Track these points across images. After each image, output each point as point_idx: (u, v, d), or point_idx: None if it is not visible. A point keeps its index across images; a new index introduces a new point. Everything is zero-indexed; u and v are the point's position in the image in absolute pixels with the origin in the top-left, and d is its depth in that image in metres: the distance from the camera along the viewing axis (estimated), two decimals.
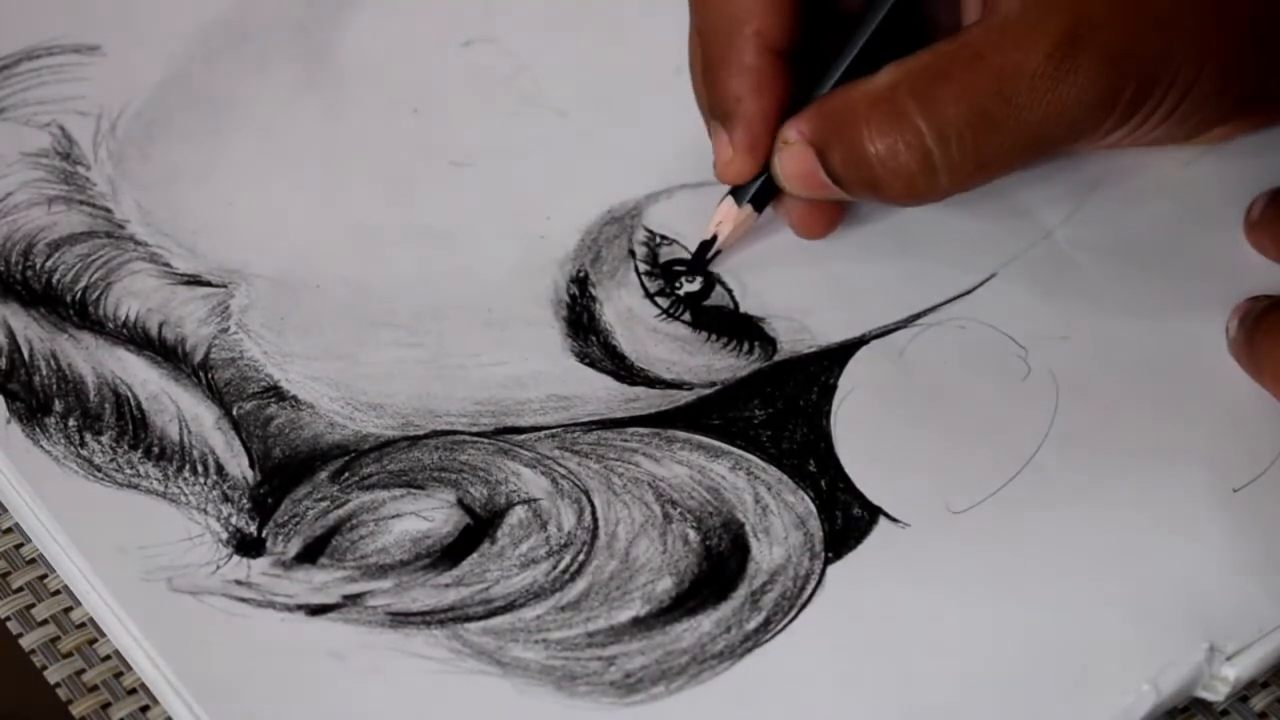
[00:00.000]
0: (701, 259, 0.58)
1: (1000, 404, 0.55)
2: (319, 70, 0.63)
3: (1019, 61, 0.52)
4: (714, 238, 0.57)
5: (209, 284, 0.57)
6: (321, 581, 0.51)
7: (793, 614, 0.51)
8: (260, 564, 0.51)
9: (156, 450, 0.53)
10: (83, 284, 0.57)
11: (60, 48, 0.63)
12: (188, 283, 0.57)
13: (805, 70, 0.56)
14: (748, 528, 0.52)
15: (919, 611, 0.51)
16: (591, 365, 0.56)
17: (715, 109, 0.56)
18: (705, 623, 0.51)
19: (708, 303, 0.57)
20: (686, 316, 0.57)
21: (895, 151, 0.53)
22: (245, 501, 0.52)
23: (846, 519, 0.53)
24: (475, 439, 0.54)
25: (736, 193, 0.57)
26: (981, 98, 0.52)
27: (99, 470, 0.53)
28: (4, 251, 0.58)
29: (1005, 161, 0.53)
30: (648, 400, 0.55)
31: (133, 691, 0.50)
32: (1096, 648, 0.50)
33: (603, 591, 0.51)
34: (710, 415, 0.55)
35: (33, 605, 0.52)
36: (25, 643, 0.51)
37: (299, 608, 0.50)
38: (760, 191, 0.57)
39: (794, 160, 0.54)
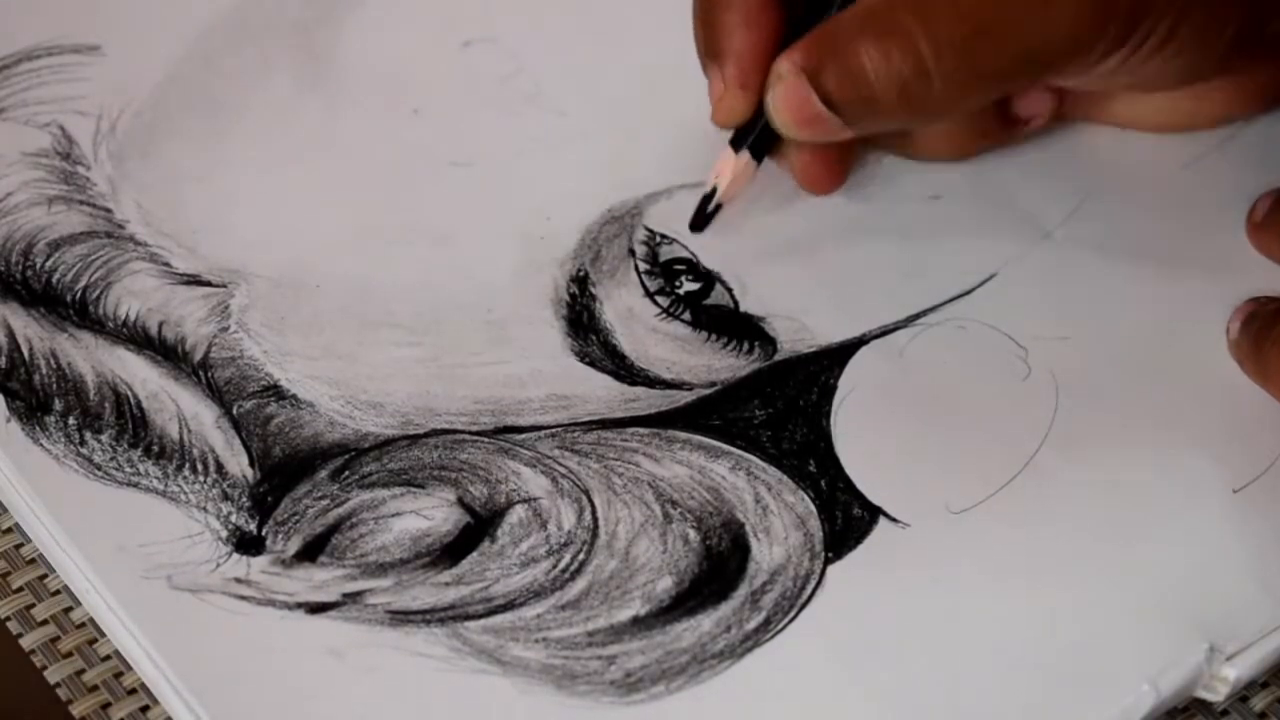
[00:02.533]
0: (703, 213, 0.57)
1: (1000, 404, 0.55)
2: (319, 70, 0.63)
3: None
4: (714, 190, 0.57)
5: (209, 284, 0.57)
6: (321, 580, 0.51)
7: (793, 614, 0.51)
8: (260, 562, 0.51)
9: (156, 449, 0.53)
10: (83, 284, 0.57)
11: (60, 48, 0.63)
12: (188, 282, 0.57)
13: (801, 6, 0.55)
14: (748, 528, 0.52)
15: (919, 611, 0.51)
16: (591, 365, 0.56)
17: (708, 46, 0.56)
18: (705, 622, 0.51)
19: (708, 302, 0.57)
20: (686, 316, 0.57)
21: (889, 58, 0.52)
22: (245, 500, 0.52)
23: (846, 519, 0.53)
24: (475, 438, 0.54)
25: (735, 141, 0.56)
26: (976, 6, 0.52)
27: (99, 469, 0.53)
28: (4, 251, 0.58)
29: (1000, 73, 0.53)
30: (648, 400, 0.55)
31: (133, 691, 0.50)
32: (1096, 648, 0.50)
33: (603, 591, 0.51)
34: (710, 415, 0.55)
35: (33, 605, 0.52)
36: (25, 643, 0.51)
37: (299, 606, 0.50)
38: (759, 139, 0.56)
39: (787, 93, 0.54)
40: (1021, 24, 0.52)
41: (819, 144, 0.56)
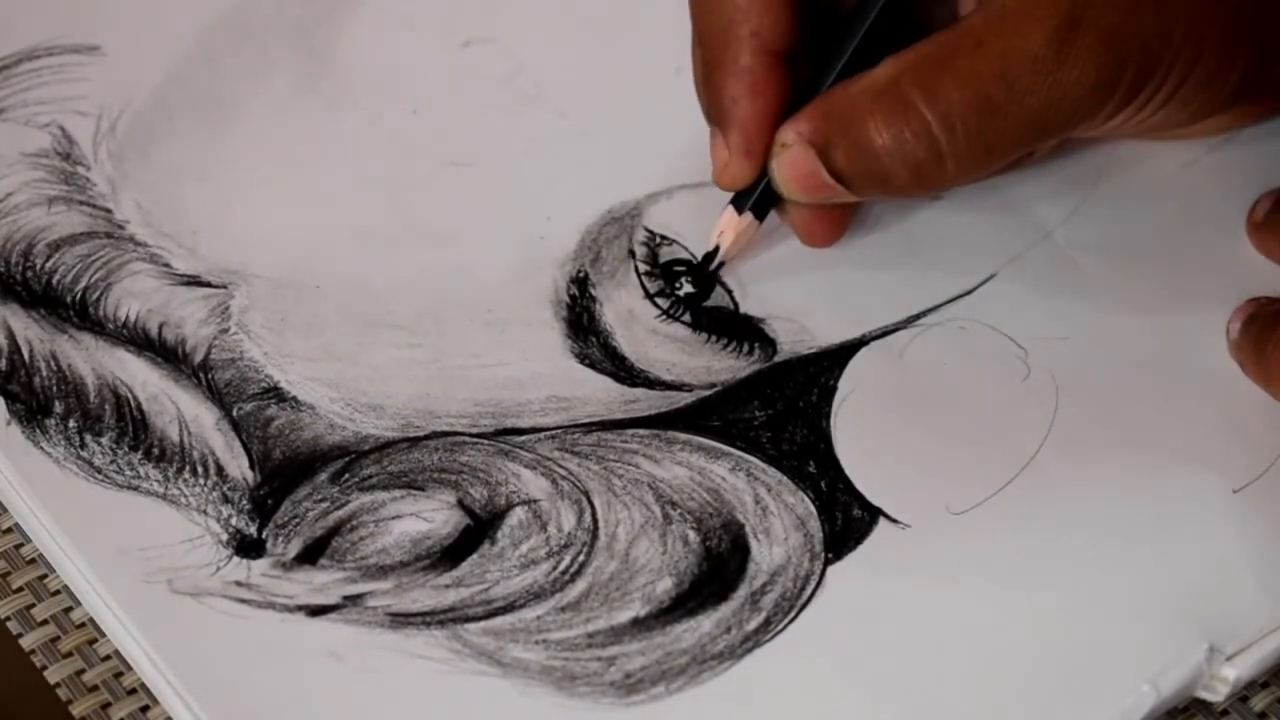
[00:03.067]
0: (705, 270, 0.57)
1: (1000, 404, 0.55)
2: (319, 70, 0.63)
3: (1020, 46, 0.52)
4: (716, 249, 0.57)
5: (209, 285, 0.57)
6: (322, 582, 0.51)
7: (793, 614, 0.51)
8: (260, 565, 0.51)
9: (157, 452, 0.53)
10: (83, 285, 0.57)
11: (60, 48, 0.63)
12: (188, 283, 0.57)
13: (803, 72, 0.55)
14: (748, 529, 0.52)
15: (919, 612, 0.51)
16: (591, 366, 0.56)
17: (712, 112, 0.56)
18: (705, 623, 0.51)
19: (708, 304, 0.57)
20: (686, 317, 0.57)
21: (902, 141, 0.52)
22: (245, 503, 0.52)
23: (846, 520, 0.53)
24: (475, 440, 0.54)
25: (737, 201, 0.57)
26: (985, 83, 0.52)
27: (99, 472, 0.53)
28: (4, 252, 0.58)
29: (1010, 146, 0.53)
30: (648, 401, 0.55)
31: (133, 691, 0.50)
32: (1096, 648, 0.50)
33: (603, 592, 0.51)
34: (710, 417, 0.55)
35: (33, 605, 0.52)
36: (25, 643, 0.51)
37: (299, 609, 0.50)
38: (760, 199, 0.56)
39: (793, 163, 0.54)
40: (1031, 99, 0.52)
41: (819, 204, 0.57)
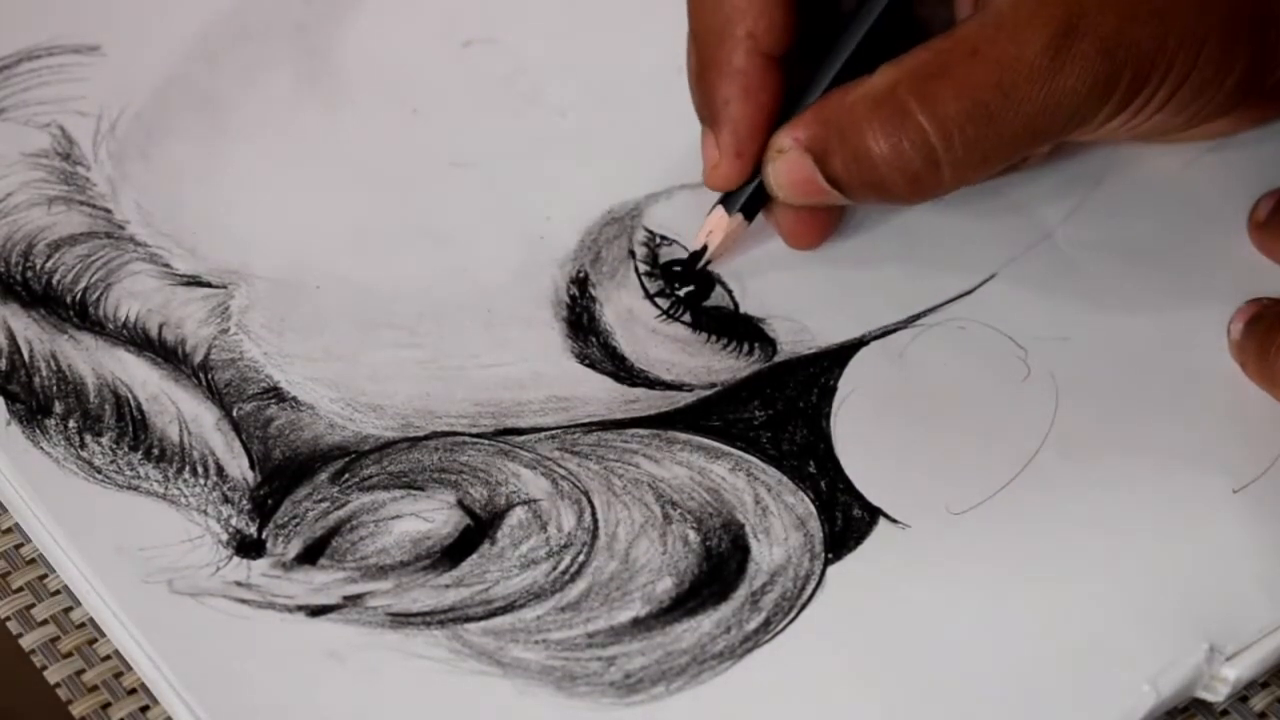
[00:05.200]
0: (693, 269, 0.57)
1: (1000, 404, 0.55)
2: (319, 70, 0.63)
3: (1016, 54, 0.52)
4: (704, 248, 0.57)
5: (209, 285, 0.57)
6: (322, 582, 0.51)
7: (793, 614, 0.51)
8: (260, 565, 0.51)
9: (157, 452, 0.53)
10: (83, 285, 0.57)
11: (60, 48, 0.63)
12: (188, 283, 0.57)
13: (798, 74, 0.55)
14: (748, 528, 0.52)
15: (919, 612, 0.51)
16: (591, 366, 0.56)
17: (704, 111, 0.56)
18: (705, 623, 0.51)
19: (708, 304, 0.57)
20: (686, 317, 0.57)
21: (900, 151, 0.53)
22: (245, 503, 0.52)
23: (846, 520, 0.53)
24: (475, 440, 0.54)
25: (726, 201, 0.56)
26: (981, 92, 0.52)
27: (99, 472, 0.53)
28: (4, 252, 0.58)
29: (1007, 153, 0.53)
30: (647, 401, 0.55)
31: (133, 691, 0.50)
32: (1096, 648, 0.50)
33: (603, 592, 0.51)
34: (710, 416, 0.55)
35: (33, 605, 0.52)
36: (25, 643, 0.51)
37: (299, 609, 0.50)
38: (750, 199, 0.56)
39: (790, 168, 0.54)
40: (1027, 106, 0.52)
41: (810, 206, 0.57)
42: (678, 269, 0.58)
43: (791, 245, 0.58)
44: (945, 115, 0.52)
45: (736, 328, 0.57)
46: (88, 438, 0.53)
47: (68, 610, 0.52)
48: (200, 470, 0.53)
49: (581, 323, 0.57)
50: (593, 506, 0.53)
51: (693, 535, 0.52)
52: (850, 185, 0.54)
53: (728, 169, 0.55)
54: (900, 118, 0.52)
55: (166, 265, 0.58)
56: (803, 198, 0.55)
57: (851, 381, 0.56)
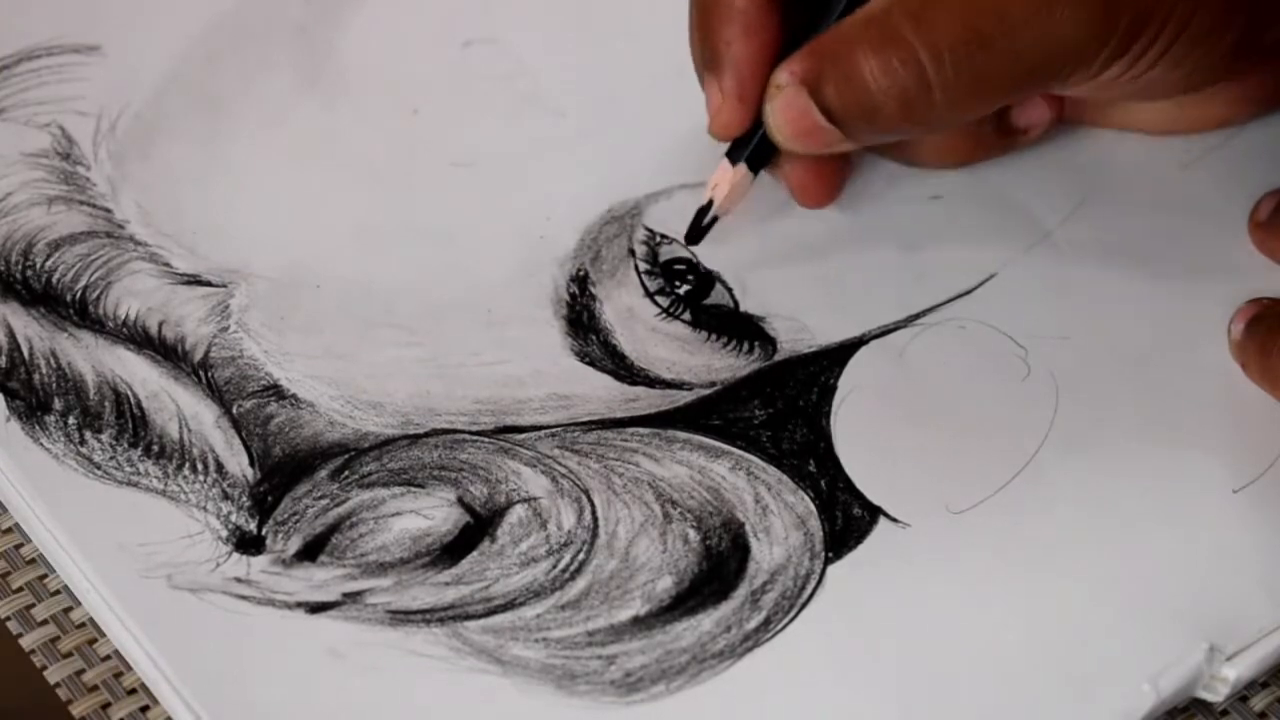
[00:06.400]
0: (699, 226, 0.57)
1: (1000, 404, 0.55)
2: (319, 70, 0.63)
3: None
4: (710, 203, 0.56)
5: (209, 284, 0.57)
6: (321, 579, 0.51)
7: (793, 614, 0.51)
8: (260, 562, 0.51)
9: (156, 448, 0.53)
10: (83, 283, 0.57)
11: (60, 48, 0.63)
12: (188, 282, 0.57)
13: (800, 17, 0.55)
14: (748, 527, 0.52)
15: (919, 611, 0.51)
16: (591, 364, 0.56)
17: (706, 57, 0.55)
18: (705, 622, 0.51)
19: (708, 302, 0.57)
20: (686, 316, 0.57)
21: (890, 69, 0.52)
22: (245, 499, 0.52)
23: (847, 519, 0.53)
24: (475, 438, 0.54)
25: (732, 154, 0.56)
26: (976, 16, 0.52)
27: (99, 468, 0.53)
28: (4, 251, 0.58)
29: (1000, 84, 0.53)
30: (648, 400, 0.55)
31: (133, 691, 0.50)
32: (1096, 648, 0.50)
33: (603, 590, 0.51)
34: (710, 415, 0.55)
35: (33, 605, 0.52)
36: (25, 643, 0.51)
37: (299, 605, 0.50)
38: (756, 151, 0.55)
39: (786, 105, 0.53)
40: (1023, 35, 0.52)
41: (816, 157, 0.56)
42: (681, 267, 0.58)
43: (801, 202, 0.58)
44: (937, 36, 0.52)
45: (736, 326, 0.57)
46: (87, 434, 0.53)
47: (68, 610, 0.52)
48: (200, 467, 0.53)
49: (581, 321, 0.57)
50: (593, 505, 0.53)
51: (693, 534, 0.52)
52: (843, 113, 0.53)
53: (730, 113, 0.55)
54: (891, 37, 0.52)
55: (166, 264, 0.58)
56: (802, 138, 0.54)
57: (851, 380, 0.56)
